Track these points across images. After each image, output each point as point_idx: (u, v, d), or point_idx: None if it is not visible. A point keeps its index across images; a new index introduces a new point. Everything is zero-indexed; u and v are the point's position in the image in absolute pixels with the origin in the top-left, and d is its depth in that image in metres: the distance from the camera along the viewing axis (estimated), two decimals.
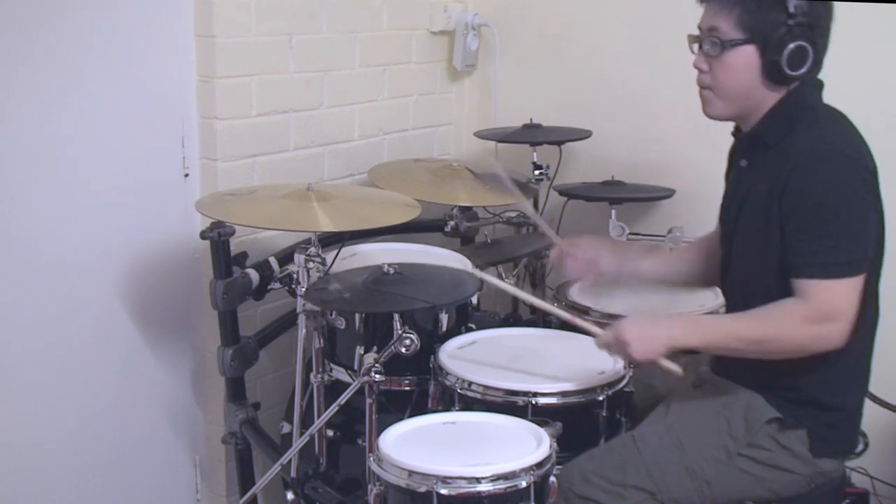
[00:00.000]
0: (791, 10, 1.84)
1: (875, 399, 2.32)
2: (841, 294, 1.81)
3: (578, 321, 2.09)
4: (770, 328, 1.85)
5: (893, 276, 2.00)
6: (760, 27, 1.86)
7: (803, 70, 1.87)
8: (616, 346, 1.94)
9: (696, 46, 1.97)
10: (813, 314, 1.81)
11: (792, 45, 1.84)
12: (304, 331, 2.29)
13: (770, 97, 1.91)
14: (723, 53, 1.89)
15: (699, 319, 1.96)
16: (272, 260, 2.47)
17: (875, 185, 1.87)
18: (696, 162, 2.86)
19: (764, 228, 1.89)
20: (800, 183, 1.82)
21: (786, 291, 1.84)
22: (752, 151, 1.98)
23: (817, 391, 1.94)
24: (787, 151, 1.87)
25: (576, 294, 2.59)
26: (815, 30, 1.87)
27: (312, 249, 2.22)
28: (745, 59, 1.89)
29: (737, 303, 2.04)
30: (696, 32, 1.96)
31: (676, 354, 1.93)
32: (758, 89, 1.91)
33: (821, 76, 1.95)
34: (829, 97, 1.96)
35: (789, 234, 1.84)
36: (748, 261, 1.96)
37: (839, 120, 1.92)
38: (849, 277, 1.81)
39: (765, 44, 1.86)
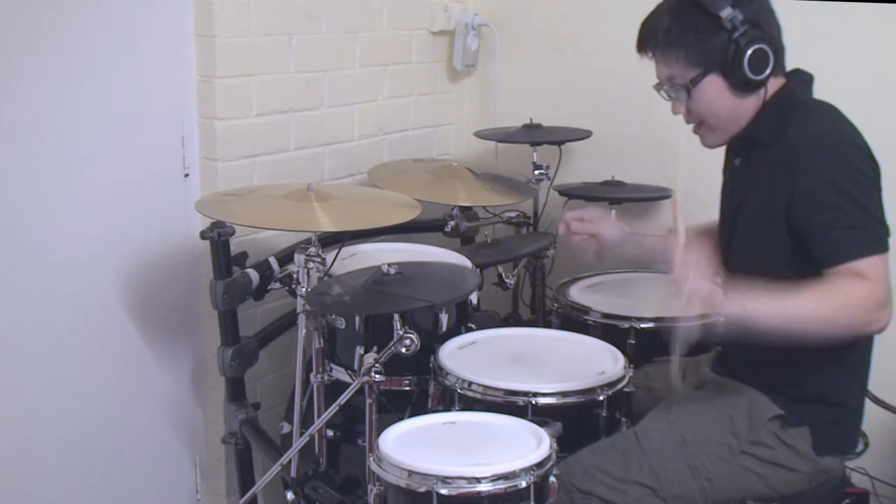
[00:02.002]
0: (728, 25, 1.85)
1: (876, 400, 2.32)
2: (885, 270, 1.77)
3: None
4: (837, 304, 1.74)
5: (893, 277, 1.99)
6: (710, 56, 1.89)
7: (770, 68, 1.88)
8: (706, 293, 1.74)
9: (664, 93, 1.99)
10: (874, 292, 1.74)
11: (748, 53, 1.86)
12: (304, 331, 2.29)
13: (754, 102, 1.93)
14: (692, 94, 1.92)
15: (770, 291, 1.76)
16: (272, 260, 2.46)
17: (876, 169, 1.86)
18: (696, 162, 2.85)
19: (769, 228, 1.88)
20: (807, 179, 1.81)
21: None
22: (746, 151, 1.99)
23: (820, 388, 1.94)
24: (784, 148, 1.87)
25: (576, 294, 2.59)
26: (761, 25, 1.88)
27: (312, 249, 2.22)
28: (714, 87, 1.91)
29: None
30: (657, 80, 1.99)
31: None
32: (739, 104, 1.93)
33: (820, 76, 1.95)
34: (830, 97, 1.96)
35: (819, 230, 1.80)
36: (749, 259, 1.96)
37: (831, 111, 1.92)
38: (884, 253, 1.78)
39: (722, 67, 1.88)
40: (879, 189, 1.86)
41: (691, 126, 2.02)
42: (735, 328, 1.74)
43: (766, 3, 1.92)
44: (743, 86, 1.89)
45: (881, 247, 1.79)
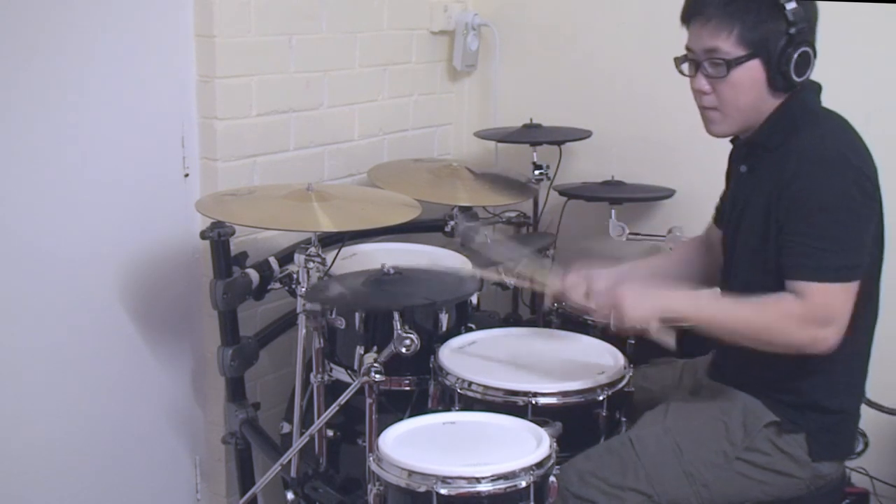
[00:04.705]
0: (791, 17, 1.82)
1: (872, 404, 2.32)
2: (836, 298, 1.79)
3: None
4: (767, 320, 1.81)
5: (890, 280, 1.99)
6: (763, 40, 1.84)
7: (808, 74, 1.87)
8: (611, 306, 1.88)
9: (686, 67, 1.93)
10: (810, 315, 1.79)
11: (797, 53, 1.83)
12: (304, 331, 2.29)
13: (773, 104, 1.91)
14: (729, 73, 1.87)
15: (696, 293, 1.92)
16: (272, 260, 2.46)
17: (874, 191, 1.85)
18: (696, 162, 2.86)
19: (765, 233, 1.88)
20: (800, 185, 1.82)
21: None
22: (752, 157, 1.97)
23: (816, 395, 1.93)
24: (788, 154, 1.86)
25: None
26: (812, 32, 1.87)
27: (312, 249, 2.22)
28: (751, 73, 1.86)
29: None
30: (686, 51, 1.93)
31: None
32: (764, 100, 1.90)
33: (819, 76, 1.95)
34: (829, 97, 1.95)
35: (786, 234, 1.83)
36: (750, 266, 1.96)
37: (840, 123, 1.91)
38: (843, 282, 1.79)
39: (769, 56, 1.84)
40: (878, 209, 1.86)
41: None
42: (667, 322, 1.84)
43: (817, 11, 1.90)
44: (779, 83, 1.86)
45: (841, 276, 1.79)
